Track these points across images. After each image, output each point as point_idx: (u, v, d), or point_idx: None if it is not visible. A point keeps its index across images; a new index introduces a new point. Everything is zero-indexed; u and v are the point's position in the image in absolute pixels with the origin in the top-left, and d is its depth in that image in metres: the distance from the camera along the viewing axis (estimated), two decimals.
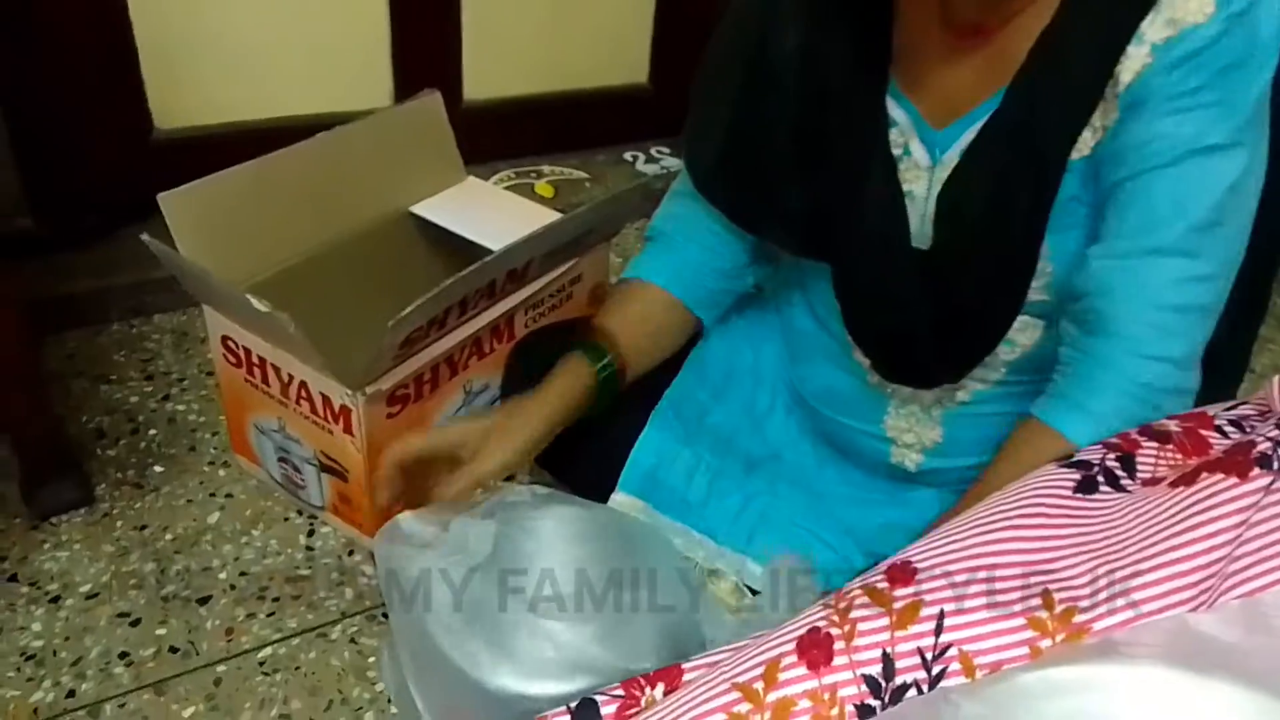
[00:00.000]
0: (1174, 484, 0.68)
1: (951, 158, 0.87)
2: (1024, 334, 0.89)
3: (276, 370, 1.18)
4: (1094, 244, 0.81)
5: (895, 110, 0.89)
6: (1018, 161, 0.83)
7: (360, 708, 1.06)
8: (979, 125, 0.84)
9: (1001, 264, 0.87)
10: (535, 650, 0.83)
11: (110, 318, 1.56)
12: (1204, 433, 0.76)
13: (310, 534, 1.25)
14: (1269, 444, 0.67)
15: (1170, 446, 0.75)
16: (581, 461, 1.02)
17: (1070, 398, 0.82)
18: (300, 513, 1.28)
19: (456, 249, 1.37)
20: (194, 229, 1.18)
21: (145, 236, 1.11)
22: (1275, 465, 0.65)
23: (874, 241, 0.91)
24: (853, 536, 0.99)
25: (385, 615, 1.16)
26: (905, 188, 0.89)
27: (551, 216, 1.42)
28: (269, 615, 1.15)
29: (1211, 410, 0.80)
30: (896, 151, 0.89)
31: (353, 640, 1.13)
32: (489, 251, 1.18)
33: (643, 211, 1.93)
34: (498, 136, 1.95)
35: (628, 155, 2.07)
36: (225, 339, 1.22)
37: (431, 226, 1.41)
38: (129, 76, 1.58)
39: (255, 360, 1.19)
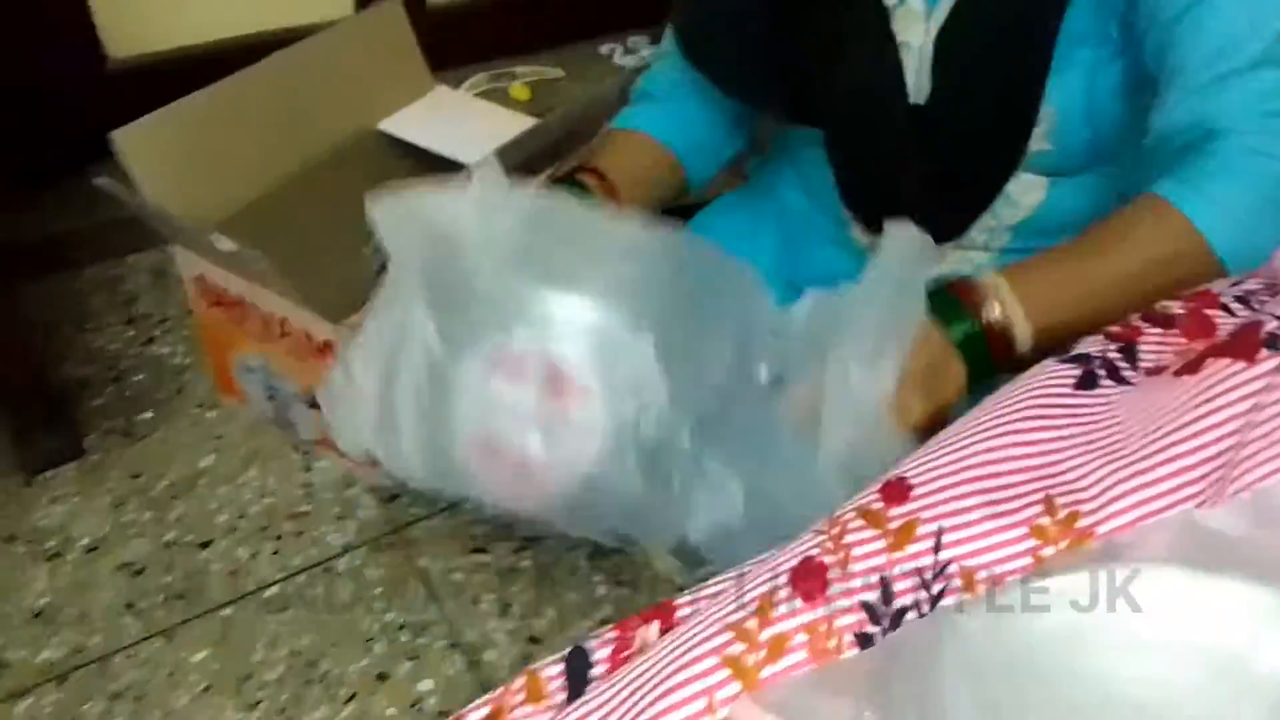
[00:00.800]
0: (1178, 372, 0.65)
1: (948, 2, 0.83)
2: (1028, 194, 0.87)
3: (255, 308, 1.15)
4: (1167, 81, 0.76)
5: None
6: None
7: (370, 638, 1.06)
8: None
9: (1001, 108, 0.83)
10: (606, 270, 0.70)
11: (84, 260, 1.52)
12: (1209, 312, 0.73)
13: (307, 469, 1.24)
14: (1277, 323, 0.64)
15: (1174, 331, 0.72)
16: None
17: (1192, 183, 0.74)
18: (295, 448, 1.26)
19: (430, 165, 1.33)
20: (153, 165, 1.14)
21: (103, 180, 1.07)
22: None
23: (865, 95, 0.88)
24: None
25: (391, 542, 1.16)
26: (901, 38, 0.85)
27: (526, 122, 1.37)
28: (273, 554, 1.15)
29: (1216, 287, 0.77)
30: (891, 0, 0.85)
31: (358, 573, 1.13)
32: (462, 165, 1.14)
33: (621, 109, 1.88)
34: (467, 39, 1.88)
35: (604, 49, 2.00)
36: (199, 279, 1.18)
37: (402, 143, 1.36)
38: (77, 6, 1.51)
39: (233, 299, 1.16)
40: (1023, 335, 0.73)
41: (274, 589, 1.11)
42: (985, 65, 0.83)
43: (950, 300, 0.73)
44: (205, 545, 1.15)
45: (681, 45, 0.97)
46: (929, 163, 0.87)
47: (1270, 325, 0.64)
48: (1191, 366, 0.64)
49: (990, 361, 0.73)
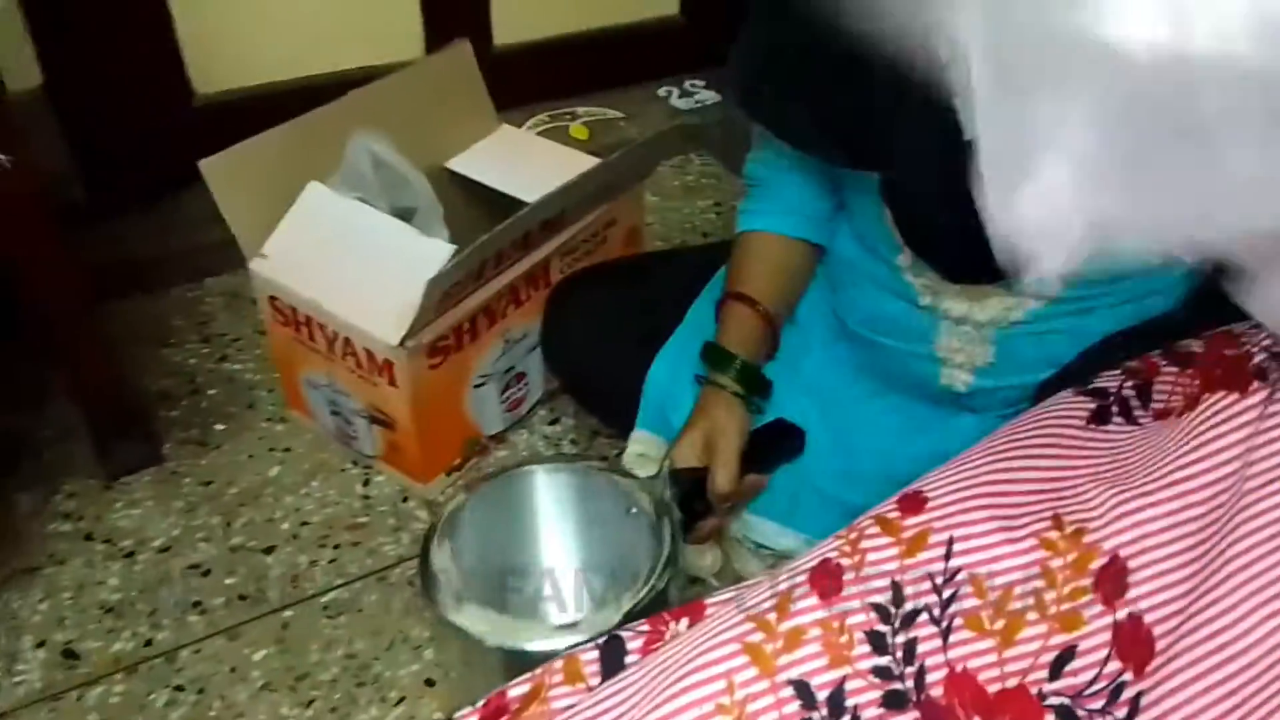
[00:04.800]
0: (1181, 413, 0.68)
1: None
2: None
3: (322, 327, 1.22)
4: None
5: None
6: None
7: (419, 645, 1.11)
8: None
9: None
10: None
11: (166, 282, 1.61)
12: (1229, 352, 0.76)
13: (365, 483, 1.30)
14: (1264, 354, 0.67)
15: (1190, 371, 0.75)
16: (610, 396, 1.05)
17: None
18: (355, 463, 1.32)
19: (492, 200, 1.39)
20: (236, 192, 1.22)
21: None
22: (1271, 376, 0.65)
23: (929, 137, 0.90)
24: (890, 478, 1.01)
25: None
26: None
27: (586, 161, 1.43)
28: (330, 562, 1.20)
29: (1238, 328, 0.80)
30: None
31: (410, 583, 1.18)
32: (524, 203, 1.20)
33: (677, 151, 1.94)
34: (530, 80, 1.95)
35: (661, 91, 2.06)
36: (272, 299, 1.26)
37: (468, 180, 1.43)
38: (166, 44, 1.61)
39: (301, 318, 1.23)
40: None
41: (331, 595, 1.17)
42: None
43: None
44: (268, 551, 1.22)
45: (737, 99, 1.00)
46: None
47: (1259, 357, 0.67)
48: (1190, 403, 0.68)
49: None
